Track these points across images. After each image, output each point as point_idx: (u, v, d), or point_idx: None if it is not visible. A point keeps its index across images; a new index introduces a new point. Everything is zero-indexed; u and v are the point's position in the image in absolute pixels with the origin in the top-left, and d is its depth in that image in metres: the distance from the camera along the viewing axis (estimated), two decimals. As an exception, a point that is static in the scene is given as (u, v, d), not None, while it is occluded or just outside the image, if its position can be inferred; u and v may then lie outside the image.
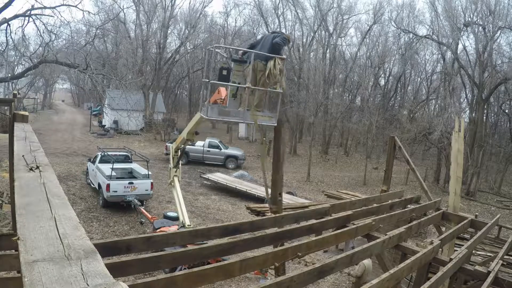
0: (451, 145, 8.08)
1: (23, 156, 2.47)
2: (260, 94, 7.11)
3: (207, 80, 7.28)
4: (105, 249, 2.78)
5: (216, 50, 8.35)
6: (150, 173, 14.43)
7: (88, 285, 1.03)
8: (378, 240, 4.57)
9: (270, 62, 6.63)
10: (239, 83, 7.09)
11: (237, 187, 17.92)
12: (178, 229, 9.06)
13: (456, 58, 28.26)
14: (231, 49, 7.76)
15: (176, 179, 10.58)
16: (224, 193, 18.06)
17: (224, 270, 3.22)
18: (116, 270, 2.67)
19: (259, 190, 17.71)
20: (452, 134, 8.20)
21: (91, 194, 14.87)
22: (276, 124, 7.38)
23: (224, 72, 7.01)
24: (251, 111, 6.93)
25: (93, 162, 15.51)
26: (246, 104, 6.74)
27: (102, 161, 14.95)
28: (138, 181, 13.76)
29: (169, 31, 38.42)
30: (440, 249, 5.76)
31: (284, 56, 7.13)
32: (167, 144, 24.97)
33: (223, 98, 7.58)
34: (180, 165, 10.94)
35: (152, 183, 14.01)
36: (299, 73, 36.90)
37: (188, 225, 9.38)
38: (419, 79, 42.74)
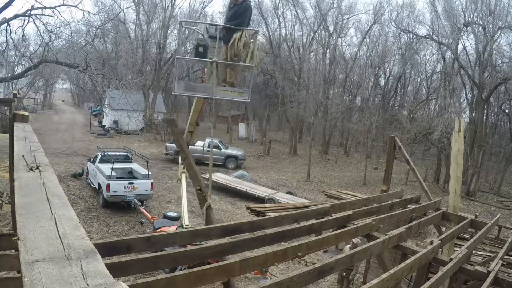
0: (451, 145, 8.08)
1: (23, 156, 2.47)
2: (228, 69, 6.89)
3: (179, 57, 7.26)
4: (105, 249, 2.78)
5: (192, 27, 8.33)
6: (150, 173, 14.42)
7: (88, 285, 1.03)
8: (378, 240, 4.57)
9: (236, 33, 6.44)
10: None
11: (237, 187, 17.92)
12: (176, 229, 9.06)
13: (456, 58, 28.27)
14: (207, 26, 7.68)
15: (184, 176, 10.45)
16: (224, 193, 18.06)
17: (224, 270, 3.22)
18: (116, 270, 2.67)
19: (259, 190, 17.72)
20: (452, 134, 8.19)
21: (91, 194, 14.87)
22: (249, 100, 7.10)
23: (201, 49, 6.85)
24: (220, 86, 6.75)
25: (93, 162, 15.51)
26: (214, 79, 6.55)
27: (102, 161, 14.95)
28: (138, 181, 13.76)
29: (169, 31, 38.41)
30: (440, 249, 5.76)
31: (257, 29, 7.02)
32: (167, 144, 24.98)
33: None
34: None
35: (152, 183, 14.00)
36: (299, 73, 36.91)
37: (186, 225, 9.33)
38: (419, 79, 42.81)
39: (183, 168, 10.34)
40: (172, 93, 7.46)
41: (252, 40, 6.65)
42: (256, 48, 6.70)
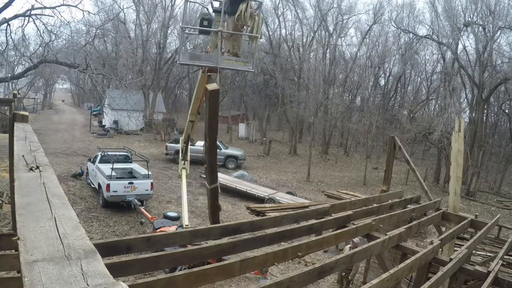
0: (451, 145, 8.08)
1: (23, 156, 2.47)
2: (231, 39, 7.03)
3: (184, 26, 7.53)
4: (105, 249, 2.78)
5: (197, 2, 8.72)
6: (150, 173, 14.42)
7: (88, 285, 1.03)
8: (378, 240, 4.57)
9: (242, 4, 6.62)
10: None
11: (237, 187, 17.91)
12: (176, 229, 9.05)
13: (456, 58, 28.26)
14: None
15: (184, 172, 10.36)
16: (224, 193, 18.01)
17: (224, 270, 3.22)
18: (116, 270, 2.67)
19: (259, 190, 17.72)
20: (452, 134, 8.19)
21: (91, 194, 14.87)
22: (253, 70, 7.36)
23: (205, 23, 7.04)
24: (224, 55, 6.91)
25: (93, 162, 15.51)
26: (219, 49, 6.70)
27: (102, 161, 14.96)
28: (138, 181, 13.76)
29: (169, 31, 38.41)
30: (440, 249, 5.76)
31: (261, 1, 7.17)
32: (167, 144, 24.96)
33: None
34: (189, 157, 10.73)
35: (152, 183, 14.01)
36: (299, 73, 36.90)
37: (186, 225, 9.34)
38: (419, 79, 42.80)
39: (184, 164, 10.30)
40: (178, 63, 7.75)
41: (256, 13, 6.80)
42: (260, 19, 6.84)
